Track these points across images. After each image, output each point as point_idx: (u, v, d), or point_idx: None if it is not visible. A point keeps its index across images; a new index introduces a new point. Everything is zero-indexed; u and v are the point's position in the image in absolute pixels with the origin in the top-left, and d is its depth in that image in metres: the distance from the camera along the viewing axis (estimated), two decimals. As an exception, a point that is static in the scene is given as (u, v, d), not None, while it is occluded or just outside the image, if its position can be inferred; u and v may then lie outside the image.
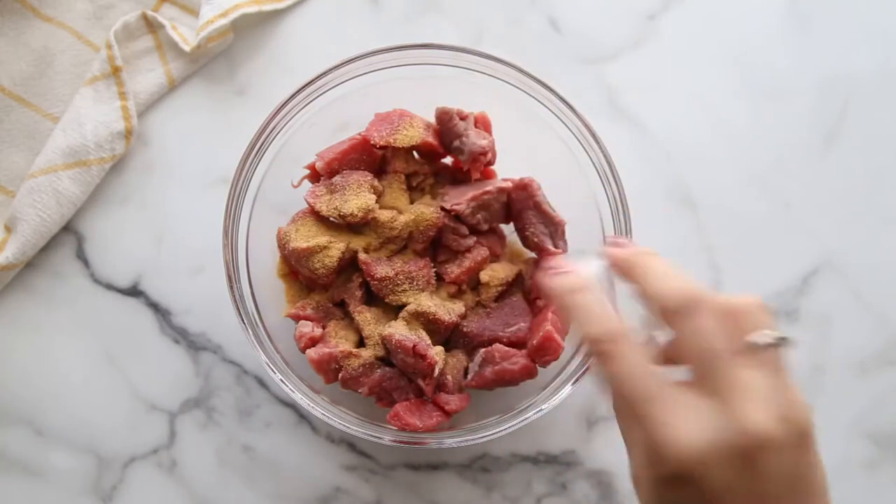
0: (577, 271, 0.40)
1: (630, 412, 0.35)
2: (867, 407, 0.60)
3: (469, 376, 0.53)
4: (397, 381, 0.53)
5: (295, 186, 0.55)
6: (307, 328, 0.53)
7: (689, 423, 0.34)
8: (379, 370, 0.52)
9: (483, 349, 0.53)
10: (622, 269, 0.39)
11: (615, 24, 0.62)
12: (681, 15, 0.63)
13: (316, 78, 0.53)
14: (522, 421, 0.51)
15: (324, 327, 0.54)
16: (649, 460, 0.34)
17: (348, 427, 0.52)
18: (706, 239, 0.61)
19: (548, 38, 0.62)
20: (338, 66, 0.53)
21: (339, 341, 0.53)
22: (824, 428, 0.59)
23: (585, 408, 0.59)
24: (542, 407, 0.51)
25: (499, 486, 0.59)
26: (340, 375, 0.52)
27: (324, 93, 0.53)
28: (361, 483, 0.59)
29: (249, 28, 0.62)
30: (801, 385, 0.60)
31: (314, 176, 0.55)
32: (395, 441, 0.52)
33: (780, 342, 0.35)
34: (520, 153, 0.56)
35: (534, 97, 0.53)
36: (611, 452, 0.59)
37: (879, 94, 0.62)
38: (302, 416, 0.59)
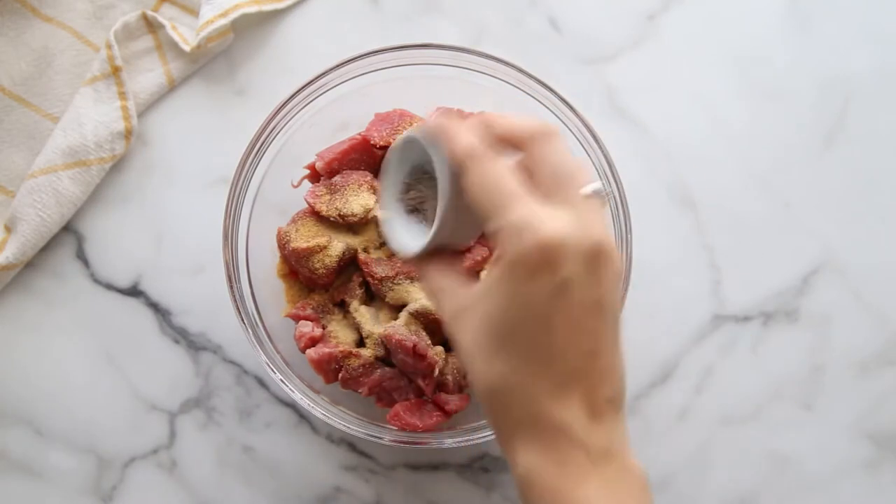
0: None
1: (497, 205, 0.36)
2: (867, 407, 0.60)
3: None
4: (397, 381, 0.53)
5: (295, 186, 0.55)
6: (307, 328, 0.53)
7: (552, 216, 0.35)
8: (379, 370, 0.52)
9: None
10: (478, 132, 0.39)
11: (615, 24, 0.62)
12: (681, 15, 0.63)
13: (316, 78, 0.53)
14: None
15: (324, 327, 0.54)
16: (515, 237, 0.35)
17: (348, 427, 0.52)
18: (706, 239, 0.61)
19: (548, 38, 0.62)
20: (338, 66, 0.53)
21: (339, 341, 0.53)
22: (824, 428, 0.60)
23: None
24: None
25: (499, 486, 0.59)
26: (340, 375, 0.52)
27: (324, 93, 0.54)
28: (361, 483, 0.59)
29: (249, 28, 0.62)
30: (801, 385, 0.60)
31: (314, 176, 0.55)
32: (394, 441, 0.52)
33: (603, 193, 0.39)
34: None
35: (533, 97, 0.53)
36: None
37: (879, 94, 0.62)
38: (302, 416, 0.59)
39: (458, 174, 0.38)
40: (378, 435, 0.52)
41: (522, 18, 0.62)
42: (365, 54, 0.53)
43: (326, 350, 0.52)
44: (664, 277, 0.60)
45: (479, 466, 0.59)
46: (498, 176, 0.36)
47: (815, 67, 0.62)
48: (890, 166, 0.62)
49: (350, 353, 0.52)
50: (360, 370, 0.52)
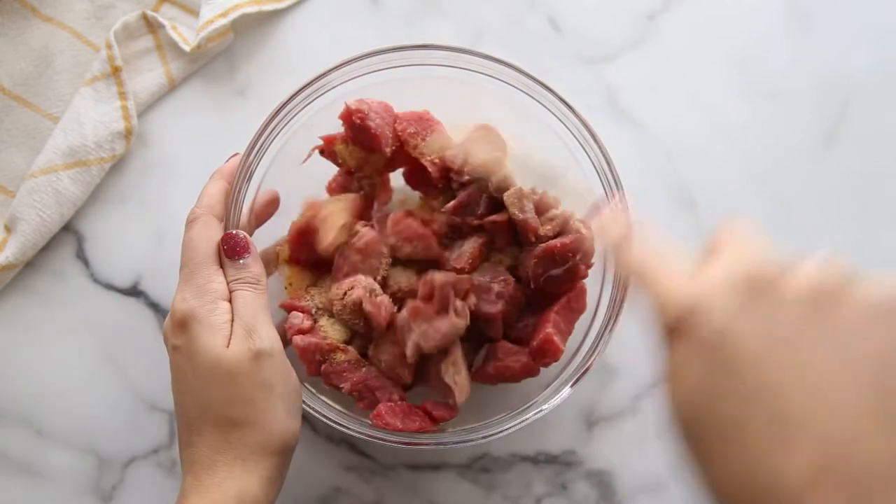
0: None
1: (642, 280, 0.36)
2: (867, 407, 0.60)
3: (472, 369, 0.53)
4: (381, 381, 0.53)
5: (304, 162, 0.55)
6: (297, 319, 0.53)
7: (683, 278, 0.34)
8: (364, 368, 0.52)
9: (488, 344, 0.53)
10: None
11: (615, 24, 0.62)
12: (681, 15, 0.63)
13: (316, 78, 0.53)
14: (523, 422, 0.51)
15: (315, 321, 0.54)
16: (658, 312, 0.35)
17: (348, 428, 0.51)
18: (706, 239, 0.61)
19: (548, 38, 0.62)
20: (337, 66, 0.53)
21: (328, 336, 0.53)
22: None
23: (585, 408, 0.59)
24: (543, 407, 0.51)
25: (499, 486, 0.59)
26: (323, 368, 0.52)
27: (323, 93, 0.53)
28: (361, 483, 0.59)
29: (249, 28, 0.62)
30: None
31: (329, 152, 0.55)
32: (393, 441, 0.51)
33: None
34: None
35: (533, 97, 0.53)
36: (611, 452, 0.59)
37: (879, 93, 0.62)
38: (302, 416, 0.59)
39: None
40: (378, 436, 0.51)
41: (522, 18, 0.62)
42: (365, 55, 0.53)
43: (314, 340, 0.52)
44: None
45: (479, 466, 0.59)
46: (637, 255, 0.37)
47: (815, 67, 0.62)
48: (890, 166, 0.62)
49: (337, 347, 0.52)
50: (345, 365, 0.52)
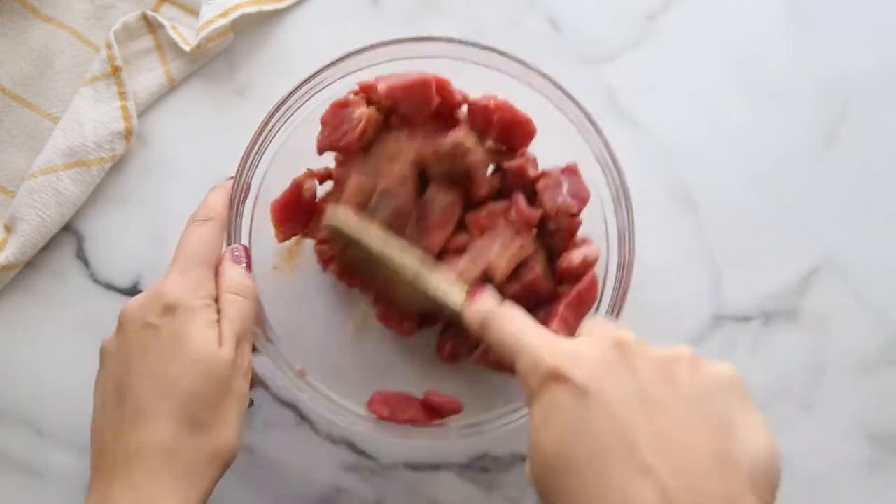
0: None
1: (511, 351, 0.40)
2: (867, 407, 0.60)
3: (476, 352, 0.54)
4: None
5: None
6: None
7: (552, 341, 0.39)
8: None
9: None
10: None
11: (615, 24, 0.62)
12: (681, 15, 0.63)
13: (315, 73, 0.52)
14: (525, 416, 0.51)
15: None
16: (523, 373, 0.39)
17: (348, 426, 0.52)
18: (706, 239, 0.61)
19: (548, 38, 0.62)
20: (336, 60, 0.52)
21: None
22: (824, 428, 0.60)
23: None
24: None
25: (499, 486, 0.59)
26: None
27: (322, 88, 0.53)
28: (361, 483, 0.59)
29: (249, 28, 0.62)
30: (801, 385, 0.60)
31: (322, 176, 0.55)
32: (382, 431, 0.52)
33: None
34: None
35: (532, 86, 0.53)
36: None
37: (879, 93, 0.62)
38: (302, 416, 0.59)
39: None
40: (376, 430, 0.51)
41: (522, 18, 0.62)
42: (364, 48, 0.52)
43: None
44: (664, 277, 0.60)
45: (480, 466, 0.59)
46: (513, 323, 0.42)
47: (815, 67, 0.62)
48: (890, 166, 0.62)
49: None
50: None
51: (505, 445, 0.59)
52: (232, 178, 0.52)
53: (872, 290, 0.61)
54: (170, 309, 0.44)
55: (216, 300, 0.47)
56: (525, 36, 0.62)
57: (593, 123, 0.52)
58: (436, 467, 0.59)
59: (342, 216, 0.50)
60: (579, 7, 0.62)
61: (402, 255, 0.49)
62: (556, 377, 0.36)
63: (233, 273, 0.48)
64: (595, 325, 0.40)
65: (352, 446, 0.59)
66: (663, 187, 0.61)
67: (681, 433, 0.34)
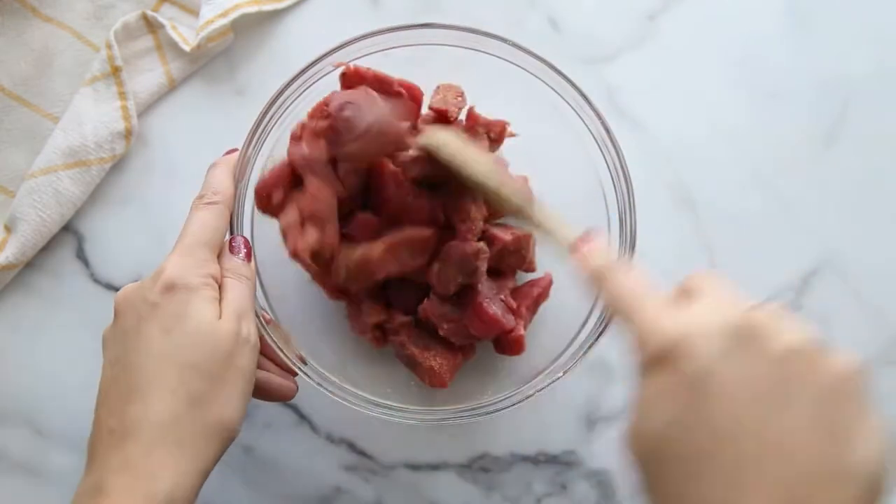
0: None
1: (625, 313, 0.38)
2: (867, 407, 0.60)
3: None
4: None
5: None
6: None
7: (666, 312, 0.36)
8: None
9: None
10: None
11: (615, 24, 0.62)
12: (681, 15, 0.63)
13: (311, 64, 0.52)
14: (539, 390, 0.51)
15: None
16: (637, 344, 0.36)
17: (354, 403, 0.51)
18: (706, 239, 0.61)
19: (548, 39, 0.62)
20: (334, 49, 0.52)
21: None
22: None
23: (585, 408, 0.59)
24: (559, 375, 0.51)
25: (499, 486, 0.59)
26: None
27: (320, 78, 0.53)
28: (361, 483, 0.59)
29: (249, 28, 0.62)
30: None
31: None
32: (387, 414, 0.51)
33: None
34: (523, 139, 0.56)
35: (533, 74, 0.53)
36: (611, 452, 0.59)
37: (879, 93, 0.62)
38: (302, 416, 0.59)
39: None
40: (386, 406, 0.51)
41: (522, 18, 0.62)
42: (361, 36, 0.52)
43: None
44: (664, 278, 0.60)
45: (479, 466, 0.59)
46: (626, 286, 0.39)
47: (815, 67, 0.62)
48: (890, 166, 0.62)
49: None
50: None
51: (505, 445, 0.59)
52: (231, 151, 0.52)
53: (872, 290, 0.61)
54: (169, 287, 0.44)
55: (218, 284, 0.47)
56: (525, 36, 0.62)
57: (595, 111, 0.52)
58: (435, 467, 0.59)
59: (442, 137, 0.49)
60: (579, 7, 0.62)
61: (505, 183, 0.48)
62: (672, 357, 0.34)
63: (233, 261, 0.48)
64: (712, 292, 0.37)
65: (352, 446, 0.59)
66: (663, 187, 0.61)
67: (794, 442, 0.32)
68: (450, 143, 0.49)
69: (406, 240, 0.50)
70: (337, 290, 0.53)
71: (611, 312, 0.39)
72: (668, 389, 0.34)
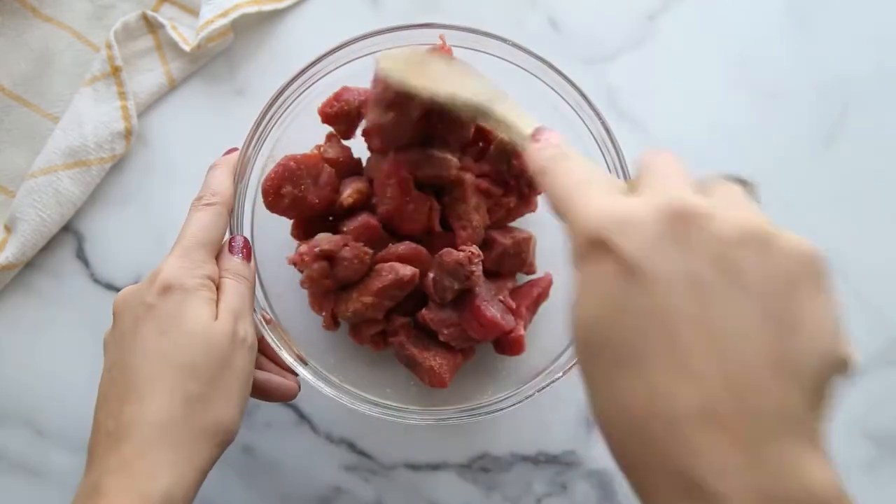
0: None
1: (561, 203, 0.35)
2: (867, 407, 0.60)
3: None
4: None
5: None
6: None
7: (605, 200, 0.33)
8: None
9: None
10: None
11: (615, 24, 0.62)
12: (681, 15, 0.63)
13: (312, 63, 0.52)
14: (535, 392, 0.51)
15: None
16: (571, 234, 0.34)
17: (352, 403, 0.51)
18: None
19: (548, 38, 0.62)
20: (334, 49, 0.52)
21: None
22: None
23: (585, 408, 0.59)
24: (558, 375, 0.51)
25: (499, 486, 0.59)
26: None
27: (320, 78, 0.53)
28: (361, 483, 0.59)
29: (249, 28, 0.62)
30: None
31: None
32: (388, 412, 0.51)
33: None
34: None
35: (533, 74, 0.53)
36: (611, 452, 0.59)
37: (879, 93, 0.62)
38: (302, 415, 0.59)
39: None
40: (388, 406, 0.51)
41: (522, 18, 0.62)
42: (361, 36, 0.52)
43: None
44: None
45: (479, 466, 0.59)
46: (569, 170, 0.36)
47: (815, 67, 0.62)
48: (890, 166, 0.62)
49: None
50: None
51: (505, 445, 0.59)
52: (230, 151, 0.52)
53: (872, 290, 0.61)
54: (166, 288, 0.44)
55: (216, 285, 0.47)
56: (525, 36, 0.62)
57: (592, 106, 0.52)
58: (435, 467, 0.59)
59: (395, 63, 0.49)
60: (579, 7, 0.62)
61: (466, 84, 0.47)
62: (601, 245, 0.31)
63: (232, 261, 0.48)
64: (656, 177, 0.34)
65: (352, 446, 0.59)
66: (663, 187, 0.61)
67: (736, 334, 0.29)
68: (401, 65, 0.48)
69: (392, 283, 0.51)
70: (334, 324, 0.54)
71: (551, 207, 0.36)
72: (601, 277, 0.31)
